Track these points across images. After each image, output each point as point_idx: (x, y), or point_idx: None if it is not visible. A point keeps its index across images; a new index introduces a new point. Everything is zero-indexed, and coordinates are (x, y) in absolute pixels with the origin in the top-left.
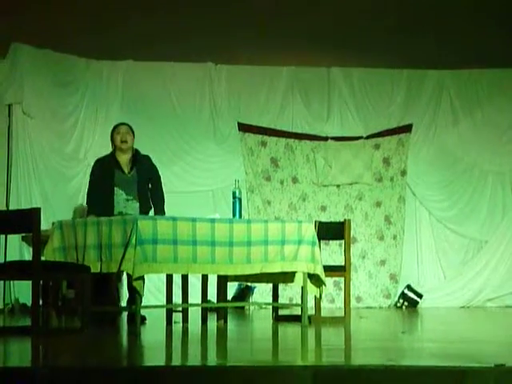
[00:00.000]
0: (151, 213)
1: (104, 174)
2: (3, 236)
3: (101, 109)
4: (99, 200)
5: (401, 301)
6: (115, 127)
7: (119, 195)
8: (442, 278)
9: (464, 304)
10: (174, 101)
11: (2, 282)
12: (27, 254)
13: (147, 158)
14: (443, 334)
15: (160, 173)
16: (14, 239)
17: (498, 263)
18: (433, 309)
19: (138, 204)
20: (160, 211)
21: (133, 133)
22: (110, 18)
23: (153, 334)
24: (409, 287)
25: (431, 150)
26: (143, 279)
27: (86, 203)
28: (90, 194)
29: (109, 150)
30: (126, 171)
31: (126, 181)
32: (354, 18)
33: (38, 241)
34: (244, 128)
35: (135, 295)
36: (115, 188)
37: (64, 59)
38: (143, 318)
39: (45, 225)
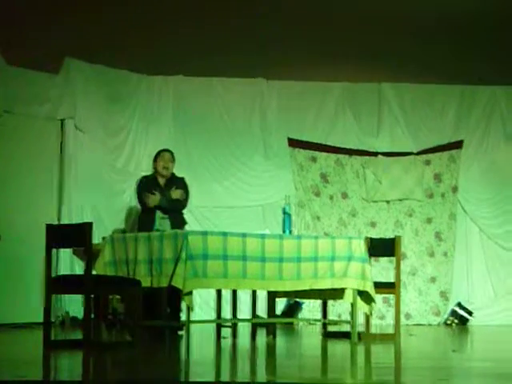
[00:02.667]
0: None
1: (147, 190)
2: (55, 249)
3: (152, 123)
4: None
5: (451, 318)
6: (159, 153)
7: (156, 214)
8: (493, 296)
9: None
10: (225, 116)
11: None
12: (78, 268)
13: (182, 179)
14: (494, 352)
15: (189, 189)
16: (65, 253)
17: None
18: (483, 327)
19: (169, 221)
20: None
21: (174, 159)
22: (161, 34)
23: (202, 348)
24: (459, 305)
25: (482, 167)
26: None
27: (138, 200)
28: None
29: None
30: (165, 192)
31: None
32: (406, 34)
33: (90, 255)
34: (294, 143)
35: (177, 310)
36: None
37: (116, 74)
38: (179, 328)
39: (96, 239)
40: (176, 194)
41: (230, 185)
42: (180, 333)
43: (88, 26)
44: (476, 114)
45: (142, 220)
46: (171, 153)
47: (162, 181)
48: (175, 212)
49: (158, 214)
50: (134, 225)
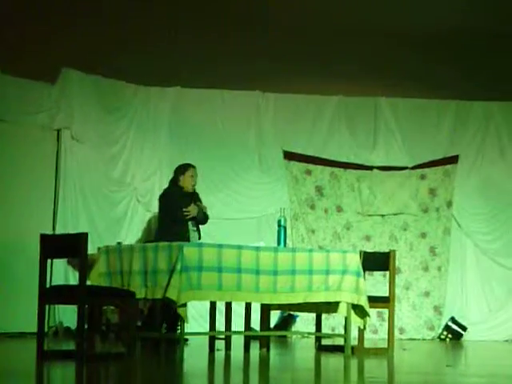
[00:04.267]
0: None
1: (180, 205)
2: (49, 259)
3: (148, 135)
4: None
5: (445, 333)
6: (188, 168)
7: (189, 226)
8: (487, 311)
9: (509, 338)
10: (221, 128)
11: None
12: (72, 278)
13: (198, 194)
14: (488, 368)
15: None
16: (59, 263)
17: None
18: (477, 342)
19: (198, 234)
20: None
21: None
22: (159, 45)
23: (196, 360)
24: (453, 320)
25: (477, 182)
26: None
27: (174, 213)
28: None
29: (155, 175)
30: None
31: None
32: (403, 48)
33: (84, 265)
34: (289, 156)
35: (174, 322)
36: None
37: (113, 85)
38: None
39: (91, 249)
40: (204, 207)
41: (225, 197)
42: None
43: (85, 36)
44: (471, 129)
45: (175, 232)
46: (196, 168)
47: (188, 194)
48: (204, 224)
49: (190, 226)
50: (149, 237)
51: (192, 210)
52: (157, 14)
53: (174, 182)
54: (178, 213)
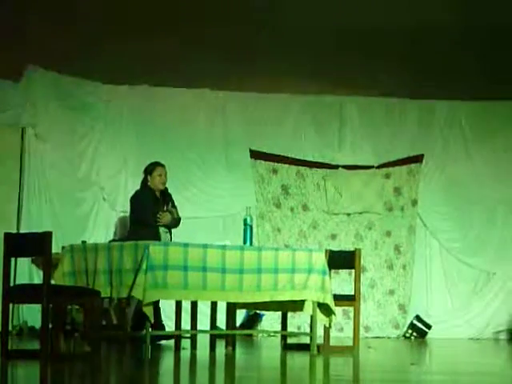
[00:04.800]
0: None
1: (153, 206)
2: (13, 258)
3: (114, 133)
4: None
5: (409, 331)
6: (155, 167)
7: (160, 229)
8: (451, 309)
9: (473, 336)
10: (188, 126)
11: (11, 304)
12: (36, 277)
13: (170, 193)
14: (452, 366)
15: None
16: (24, 262)
17: (507, 295)
18: (441, 340)
19: (170, 236)
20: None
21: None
22: (124, 44)
23: (161, 360)
24: (418, 318)
25: (442, 181)
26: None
27: (144, 217)
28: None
29: (120, 174)
30: (163, 207)
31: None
32: (367, 48)
33: (49, 264)
34: (256, 155)
35: (143, 321)
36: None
37: (78, 83)
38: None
39: (55, 248)
40: (176, 212)
41: (191, 196)
42: (160, 342)
43: (51, 34)
44: (436, 128)
45: (145, 234)
46: (164, 166)
47: (158, 194)
48: (175, 228)
49: (162, 228)
50: (114, 236)
51: (164, 218)
52: (124, 12)
53: (143, 183)
54: (148, 217)
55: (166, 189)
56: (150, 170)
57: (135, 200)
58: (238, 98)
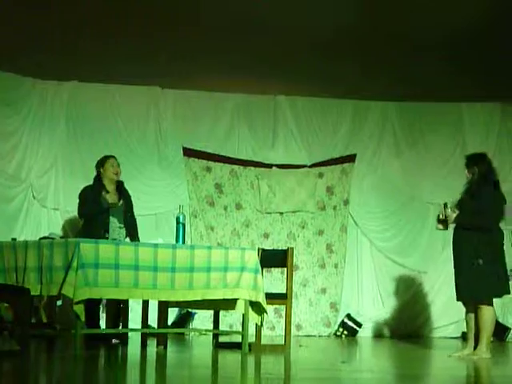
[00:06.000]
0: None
1: (98, 201)
2: None
3: (44, 129)
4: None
5: (340, 329)
6: (107, 159)
7: (113, 223)
8: (382, 308)
9: (403, 334)
10: (120, 123)
11: None
12: None
13: (127, 190)
14: (380, 363)
15: None
16: None
17: (436, 295)
18: (372, 338)
19: (125, 231)
20: (135, 237)
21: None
22: (56, 38)
23: (91, 358)
24: (349, 316)
25: (374, 181)
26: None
27: (83, 216)
28: (84, 212)
29: (51, 171)
30: (116, 201)
31: (118, 210)
32: (301, 47)
33: None
34: (189, 153)
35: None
36: (110, 216)
37: (8, 78)
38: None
39: None
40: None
41: None
42: (114, 341)
43: None
44: (368, 128)
45: (91, 228)
46: (115, 158)
47: (111, 188)
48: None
49: (116, 222)
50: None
51: (109, 197)
52: (55, 8)
53: (96, 177)
54: (88, 207)
55: (122, 183)
56: (101, 162)
57: (80, 193)
58: (171, 95)
